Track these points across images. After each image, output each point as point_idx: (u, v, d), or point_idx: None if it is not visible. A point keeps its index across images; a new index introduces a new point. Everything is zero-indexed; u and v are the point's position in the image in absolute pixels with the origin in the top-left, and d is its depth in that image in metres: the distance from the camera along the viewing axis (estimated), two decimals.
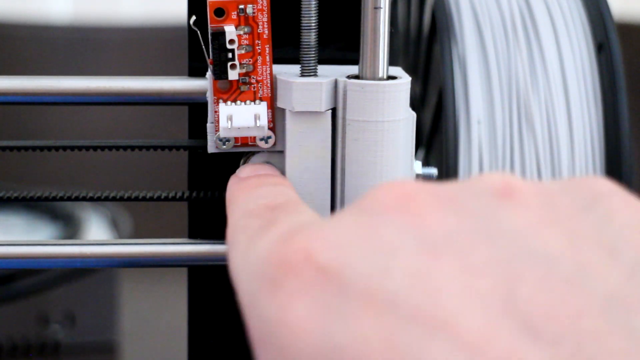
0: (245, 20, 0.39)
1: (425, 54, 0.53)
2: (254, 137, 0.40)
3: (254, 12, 0.39)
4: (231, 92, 0.40)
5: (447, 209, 0.28)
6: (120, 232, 0.91)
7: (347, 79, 0.39)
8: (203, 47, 0.39)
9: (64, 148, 0.42)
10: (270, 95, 0.40)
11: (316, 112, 0.39)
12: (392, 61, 0.40)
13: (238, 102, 0.40)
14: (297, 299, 0.27)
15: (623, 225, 0.28)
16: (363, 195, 0.30)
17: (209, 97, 0.40)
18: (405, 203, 0.28)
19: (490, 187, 0.29)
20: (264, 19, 0.39)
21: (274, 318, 0.28)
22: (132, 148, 0.43)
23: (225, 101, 0.40)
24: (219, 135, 0.40)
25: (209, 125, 0.40)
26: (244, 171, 0.40)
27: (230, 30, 0.39)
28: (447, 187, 0.29)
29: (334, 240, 0.28)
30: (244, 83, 0.40)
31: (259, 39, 0.39)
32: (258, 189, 0.37)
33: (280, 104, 0.40)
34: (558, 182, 0.30)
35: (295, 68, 0.40)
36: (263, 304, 0.28)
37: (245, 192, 0.37)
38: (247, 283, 0.30)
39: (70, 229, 0.89)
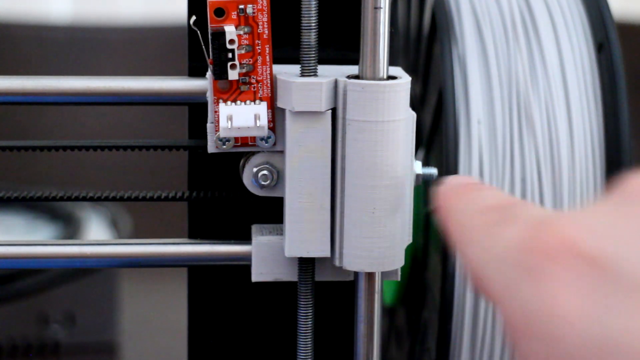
0: (245, 20, 0.39)
1: (425, 54, 0.53)
2: (254, 137, 0.40)
3: (254, 12, 0.39)
4: (231, 92, 0.40)
5: None
6: (120, 232, 0.91)
7: (347, 79, 0.39)
8: (203, 47, 0.39)
9: (64, 148, 0.42)
10: (270, 95, 0.40)
11: (316, 112, 0.39)
12: (392, 61, 0.40)
13: (238, 102, 0.40)
14: (567, 288, 0.27)
15: None
16: (615, 189, 0.29)
17: (209, 97, 0.40)
18: None
19: None
20: (264, 19, 0.39)
21: (543, 308, 0.27)
22: (132, 148, 0.43)
23: (225, 101, 0.40)
24: (219, 135, 0.40)
25: (209, 125, 0.40)
26: (452, 181, 0.38)
27: (230, 30, 0.39)
28: None
29: (596, 229, 0.28)
30: (244, 83, 0.40)
31: (259, 39, 0.39)
32: (477, 192, 0.36)
33: (280, 104, 0.40)
34: None
35: (295, 68, 0.40)
36: (526, 294, 0.28)
37: (463, 197, 0.36)
38: (500, 274, 0.29)
39: (70, 229, 0.89)
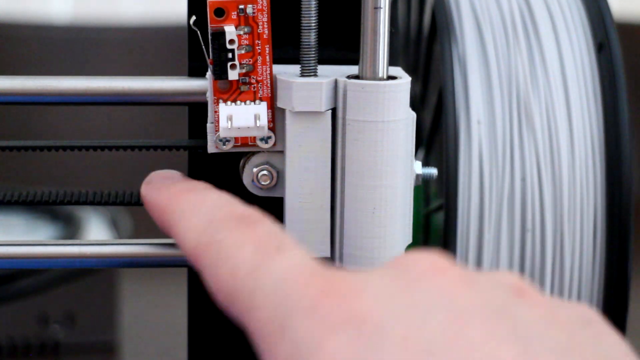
0: (245, 20, 0.39)
1: (425, 54, 0.53)
2: (254, 137, 0.40)
3: (254, 12, 0.39)
4: (231, 92, 0.40)
5: (472, 287, 0.31)
6: (120, 232, 0.91)
7: (347, 79, 0.39)
8: (203, 47, 0.39)
9: (64, 148, 0.42)
10: (270, 95, 0.40)
11: (316, 112, 0.39)
12: (392, 61, 0.40)
13: (238, 102, 0.40)
14: (337, 332, 0.30)
15: (611, 345, 0.31)
16: (395, 260, 0.32)
17: (209, 97, 0.40)
18: (437, 273, 0.32)
19: (507, 283, 0.32)
20: (264, 19, 0.39)
21: (311, 345, 0.30)
22: (132, 148, 0.43)
23: (225, 101, 0.40)
24: (219, 135, 0.40)
25: (209, 125, 0.40)
26: (158, 177, 0.40)
27: (230, 30, 0.39)
28: (470, 271, 0.33)
29: (374, 293, 0.31)
30: (244, 83, 0.40)
31: (259, 39, 0.39)
32: (203, 195, 0.38)
33: (280, 104, 0.40)
34: (558, 298, 0.34)
35: (295, 68, 0.40)
36: (299, 328, 0.30)
37: (187, 200, 0.38)
38: (273, 304, 0.32)
39: (70, 229, 0.89)
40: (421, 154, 0.53)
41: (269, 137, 0.40)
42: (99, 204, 0.43)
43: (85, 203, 0.43)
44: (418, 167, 0.42)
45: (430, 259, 0.32)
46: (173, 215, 0.38)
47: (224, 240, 0.34)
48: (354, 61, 0.40)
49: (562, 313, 0.32)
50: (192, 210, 0.37)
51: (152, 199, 0.39)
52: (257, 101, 0.40)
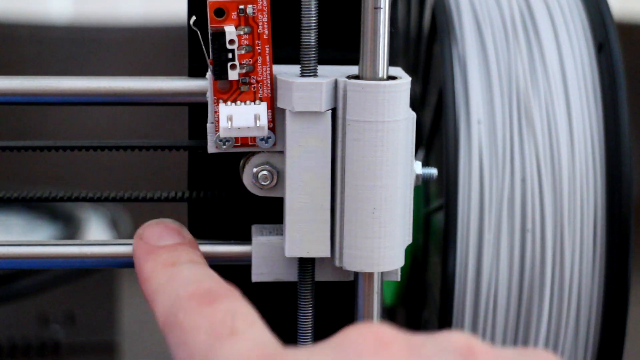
0: (245, 20, 0.39)
1: (425, 54, 0.53)
2: (254, 137, 0.40)
3: (254, 12, 0.39)
4: (231, 92, 0.40)
5: None
6: (120, 232, 0.91)
7: (347, 79, 0.39)
8: (203, 47, 0.39)
9: (64, 148, 0.42)
10: (270, 95, 0.40)
11: (316, 112, 0.39)
12: (392, 61, 0.40)
13: (238, 102, 0.40)
14: None
15: None
16: (339, 334, 0.33)
17: (209, 97, 0.40)
18: (379, 350, 0.32)
19: (455, 346, 0.32)
20: (264, 19, 0.39)
21: None
22: (132, 148, 0.43)
23: (225, 101, 0.40)
24: (219, 135, 0.40)
25: (209, 125, 0.40)
26: (150, 235, 0.41)
27: (230, 31, 0.39)
28: (416, 339, 0.32)
29: None
30: (244, 83, 0.40)
31: (259, 39, 0.39)
32: (179, 271, 0.39)
33: (280, 104, 0.40)
34: (512, 350, 0.34)
35: (295, 68, 0.40)
36: None
37: (164, 274, 0.39)
38: None
39: (70, 229, 0.89)
40: (421, 154, 0.53)
41: (269, 137, 0.40)
42: (99, 200, 0.43)
43: (85, 200, 0.43)
44: (418, 167, 0.42)
45: (374, 332, 0.32)
46: (151, 289, 0.39)
47: (183, 322, 0.36)
48: (354, 61, 0.40)
49: None
50: (164, 285, 0.38)
51: (139, 263, 0.41)
52: (257, 101, 0.40)
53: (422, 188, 0.53)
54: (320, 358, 0.32)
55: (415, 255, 0.53)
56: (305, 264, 0.41)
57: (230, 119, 0.39)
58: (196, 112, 0.42)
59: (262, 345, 0.33)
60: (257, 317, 0.35)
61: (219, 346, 0.34)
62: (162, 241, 0.41)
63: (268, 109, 0.40)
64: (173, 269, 0.39)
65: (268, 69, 0.40)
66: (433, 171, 0.43)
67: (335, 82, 0.39)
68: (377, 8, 0.38)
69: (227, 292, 0.37)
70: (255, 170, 0.41)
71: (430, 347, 0.32)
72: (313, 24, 0.39)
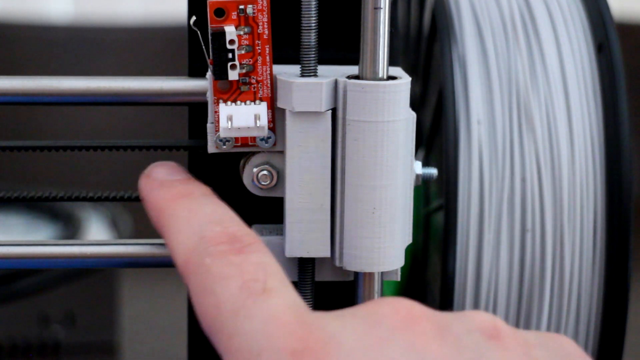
0: (245, 20, 0.39)
1: (425, 54, 0.53)
2: (254, 138, 0.40)
3: (254, 12, 0.39)
4: (231, 92, 0.40)
5: (444, 338, 0.32)
6: (120, 232, 0.91)
7: (347, 79, 0.39)
8: (203, 47, 0.39)
9: (64, 148, 0.42)
10: (270, 95, 0.40)
11: (316, 112, 0.39)
12: (392, 61, 0.40)
13: (238, 102, 0.40)
14: None
15: None
16: (368, 304, 0.33)
17: (209, 97, 0.40)
18: (410, 325, 0.32)
19: (480, 326, 0.33)
20: (264, 19, 0.39)
21: None
22: (132, 148, 0.43)
23: (225, 101, 0.40)
24: (219, 135, 0.40)
25: (209, 125, 0.40)
26: (158, 172, 0.40)
27: (230, 31, 0.39)
28: (444, 317, 0.33)
29: (347, 350, 0.31)
30: (244, 83, 0.40)
31: (259, 39, 0.39)
32: (199, 205, 0.38)
33: (280, 104, 0.40)
34: (534, 333, 0.34)
35: (295, 68, 0.40)
36: None
37: (183, 206, 0.38)
38: (249, 355, 0.32)
39: (70, 229, 0.89)
40: (421, 154, 0.53)
41: (269, 137, 0.40)
42: (99, 200, 0.43)
43: (85, 199, 0.43)
44: (418, 167, 0.42)
45: (404, 307, 0.33)
46: (167, 221, 0.38)
47: (211, 268, 0.35)
48: (354, 61, 0.40)
49: (539, 353, 0.33)
50: (185, 219, 0.37)
51: (150, 197, 0.39)
52: (257, 101, 0.40)
53: (422, 188, 0.53)
54: (352, 327, 0.32)
55: (415, 255, 0.53)
56: (305, 264, 0.41)
57: (230, 119, 0.39)
58: (196, 112, 0.42)
59: (295, 306, 0.33)
60: (285, 275, 0.35)
61: (252, 303, 0.33)
62: (172, 176, 0.40)
63: (268, 109, 0.40)
64: (191, 201, 0.38)
65: (268, 69, 0.40)
66: (433, 171, 0.43)
67: (335, 82, 0.39)
68: (377, 8, 0.38)
69: (253, 240, 0.36)
70: (255, 170, 0.41)
71: (458, 326, 0.33)
72: (313, 24, 0.39)
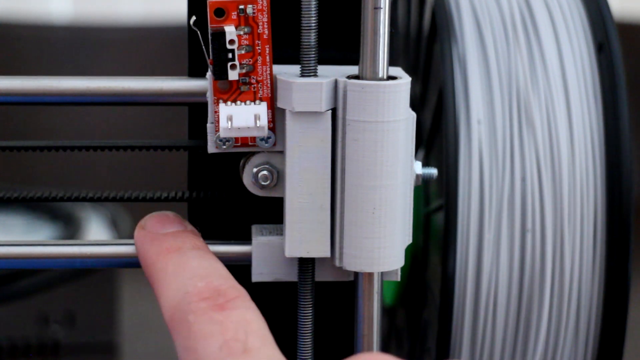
0: (245, 20, 0.39)
1: (425, 54, 0.53)
2: (254, 138, 0.40)
3: (254, 12, 0.39)
4: (231, 92, 0.40)
5: None
6: (120, 232, 0.91)
7: (347, 79, 0.39)
8: (203, 47, 0.39)
9: (64, 148, 0.42)
10: (270, 95, 0.40)
11: (316, 112, 0.39)
12: (392, 61, 0.40)
13: (238, 102, 0.40)
14: None
15: None
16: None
17: (209, 97, 0.40)
18: None
19: None
20: (264, 19, 0.39)
21: None
22: (132, 148, 0.43)
23: (225, 101, 0.40)
24: (219, 135, 0.40)
25: (209, 125, 0.40)
26: (150, 223, 0.41)
27: (230, 31, 0.39)
28: None
29: None
30: (244, 83, 0.40)
31: (259, 39, 0.39)
32: (186, 259, 0.39)
33: (280, 104, 0.40)
34: None
35: (295, 68, 0.40)
36: None
37: (172, 261, 0.39)
38: None
39: (70, 229, 0.89)
40: (421, 154, 0.53)
41: (269, 137, 0.40)
42: (99, 200, 0.43)
43: (85, 199, 0.43)
44: (418, 167, 0.42)
45: None
46: (157, 275, 0.39)
47: (193, 325, 0.35)
48: (354, 61, 0.40)
49: None
50: (172, 274, 0.38)
51: (142, 250, 0.40)
52: (257, 101, 0.40)
53: (422, 188, 0.53)
54: None
55: (415, 255, 0.53)
56: (305, 264, 0.41)
57: (230, 119, 0.39)
58: (196, 112, 0.42)
59: None
60: (267, 331, 0.35)
61: None
62: (165, 229, 0.41)
63: (268, 109, 0.40)
64: (179, 256, 0.39)
65: (268, 69, 0.40)
66: (433, 171, 0.43)
67: (335, 82, 0.39)
68: (377, 8, 0.38)
69: (237, 294, 0.36)
70: (255, 170, 0.41)
71: None
72: (313, 24, 0.39)
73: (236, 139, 0.40)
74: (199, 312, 0.36)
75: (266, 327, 0.35)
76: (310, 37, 0.39)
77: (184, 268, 0.38)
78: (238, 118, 0.39)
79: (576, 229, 0.47)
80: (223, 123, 0.39)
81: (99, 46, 1.27)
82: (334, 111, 0.40)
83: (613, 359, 0.48)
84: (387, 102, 0.39)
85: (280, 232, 0.42)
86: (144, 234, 0.41)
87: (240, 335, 0.34)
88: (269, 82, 0.40)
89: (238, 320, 0.35)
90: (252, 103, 0.40)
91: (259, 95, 0.40)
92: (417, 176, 0.42)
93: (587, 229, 0.47)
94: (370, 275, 0.41)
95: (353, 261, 0.40)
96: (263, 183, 0.41)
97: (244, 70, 0.39)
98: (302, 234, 0.40)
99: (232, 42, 0.39)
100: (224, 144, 0.40)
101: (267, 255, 0.42)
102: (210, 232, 0.43)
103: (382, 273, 0.41)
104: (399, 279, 0.42)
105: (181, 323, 0.36)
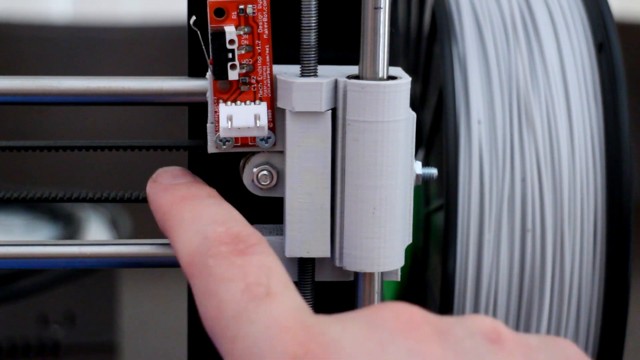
0: (245, 20, 0.39)
1: (425, 54, 0.53)
2: (254, 138, 0.40)
3: (254, 12, 0.39)
4: (231, 92, 0.40)
5: (445, 342, 0.32)
6: (120, 232, 0.91)
7: (347, 79, 0.39)
8: (203, 47, 0.39)
9: (64, 148, 0.42)
10: (270, 95, 0.40)
11: (316, 112, 0.39)
12: (392, 61, 0.40)
13: (238, 102, 0.40)
14: None
15: None
16: (369, 309, 0.33)
17: (209, 97, 0.40)
18: (411, 330, 0.32)
19: (482, 330, 0.33)
20: (264, 19, 0.39)
21: None
22: (132, 148, 0.43)
23: (225, 101, 0.40)
24: (219, 135, 0.40)
25: (209, 125, 0.40)
26: (164, 176, 0.40)
27: (230, 31, 0.39)
28: (445, 321, 0.33)
29: (348, 354, 0.32)
30: (244, 83, 0.40)
31: (259, 39, 0.39)
32: (203, 206, 0.38)
33: (280, 104, 0.40)
34: (536, 337, 0.34)
35: (295, 68, 0.40)
36: None
37: (188, 208, 0.38)
38: (255, 346, 0.32)
39: (70, 229, 0.89)
40: (421, 154, 0.53)
41: (269, 137, 0.40)
42: (99, 200, 0.43)
43: (85, 200, 0.43)
44: (418, 167, 0.42)
45: (405, 312, 0.33)
46: (172, 223, 0.38)
47: (214, 269, 0.35)
48: (354, 61, 0.40)
49: (540, 357, 0.33)
50: (189, 221, 0.37)
51: (155, 200, 0.40)
52: (257, 101, 0.40)
53: (422, 188, 0.53)
54: (353, 331, 0.32)
55: (415, 255, 0.53)
56: (305, 264, 0.41)
57: (230, 119, 0.39)
58: (196, 112, 0.42)
59: (297, 310, 0.33)
60: (288, 277, 0.35)
61: (254, 307, 0.33)
62: (177, 180, 0.40)
63: (268, 109, 0.40)
64: (196, 203, 0.38)
65: (268, 69, 0.40)
66: (433, 171, 0.43)
67: (335, 82, 0.39)
68: (377, 8, 0.38)
69: (257, 240, 0.36)
70: (255, 170, 0.41)
71: (458, 331, 0.33)
72: (313, 24, 0.39)
73: (236, 139, 0.40)
74: (219, 256, 0.35)
75: (287, 274, 0.35)
76: (310, 37, 0.39)
77: (201, 214, 0.37)
78: (238, 118, 0.39)
79: (576, 229, 0.47)
80: (223, 123, 0.39)
81: (99, 46, 1.27)
82: (334, 111, 0.40)
83: (613, 358, 0.48)
84: (387, 102, 0.39)
85: (280, 232, 0.42)
86: (156, 185, 0.40)
87: (262, 280, 0.34)
88: (269, 82, 0.40)
89: (260, 265, 0.35)
90: (252, 103, 0.40)
91: (259, 95, 0.40)
92: (417, 176, 0.42)
93: (587, 228, 0.47)
94: (371, 275, 0.41)
95: (353, 261, 0.40)
96: (263, 183, 0.41)
97: (244, 70, 0.39)
98: (302, 234, 0.40)
99: (232, 42, 0.39)
100: (224, 144, 0.40)
101: None
102: None
103: (382, 273, 0.41)
104: (399, 279, 0.42)
105: (201, 268, 0.35)
